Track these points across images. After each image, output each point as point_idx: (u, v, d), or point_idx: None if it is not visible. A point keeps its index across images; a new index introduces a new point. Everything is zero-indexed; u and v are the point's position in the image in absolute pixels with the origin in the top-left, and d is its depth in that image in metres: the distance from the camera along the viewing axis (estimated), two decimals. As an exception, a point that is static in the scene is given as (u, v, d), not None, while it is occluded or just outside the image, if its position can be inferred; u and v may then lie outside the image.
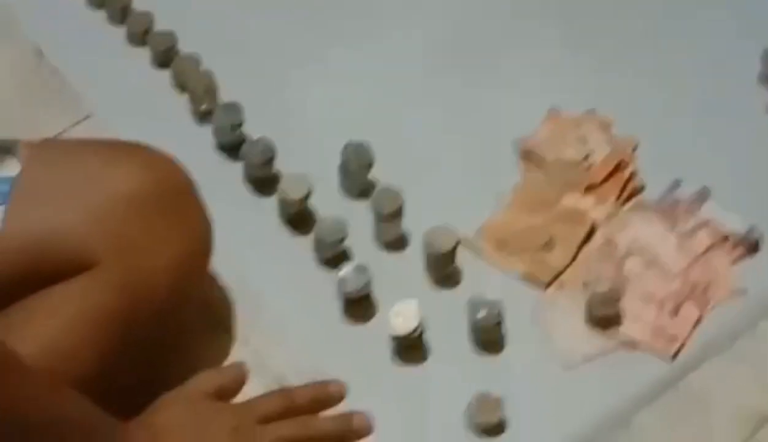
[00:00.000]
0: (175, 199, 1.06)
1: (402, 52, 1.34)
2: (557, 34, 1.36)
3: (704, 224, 1.20)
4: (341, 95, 1.30)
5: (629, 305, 1.15)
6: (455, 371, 1.12)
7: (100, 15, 1.36)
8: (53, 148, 1.08)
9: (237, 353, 1.14)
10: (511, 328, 1.14)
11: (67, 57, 1.33)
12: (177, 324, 1.09)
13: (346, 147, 1.22)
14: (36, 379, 0.87)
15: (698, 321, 1.15)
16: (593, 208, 1.22)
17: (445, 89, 1.31)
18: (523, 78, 1.32)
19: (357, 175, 1.21)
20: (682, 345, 1.14)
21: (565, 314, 1.15)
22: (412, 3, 1.39)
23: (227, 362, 1.12)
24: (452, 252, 1.16)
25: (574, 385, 1.11)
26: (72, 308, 1.01)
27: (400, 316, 1.12)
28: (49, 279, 1.01)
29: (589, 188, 1.23)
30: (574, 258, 1.19)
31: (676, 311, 1.15)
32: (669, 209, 1.22)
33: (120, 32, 1.35)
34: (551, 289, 1.17)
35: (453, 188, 1.23)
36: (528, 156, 1.25)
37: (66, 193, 1.03)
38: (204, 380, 1.00)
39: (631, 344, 1.14)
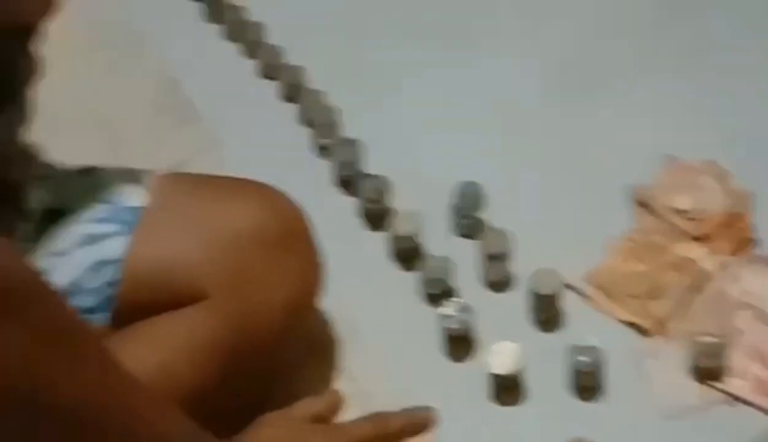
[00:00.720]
0: (292, 240, 1.10)
1: (517, 87, 1.35)
2: (679, 78, 1.35)
3: (820, 281, 1.18)
4: (457, 135, 1.32)
5: (735, 358, 1.13)
6: (552, 415, 1.12)
7: (234, 48, 1.41)
8: (181, 182, 1.13)
9: (341, 384, 1.16)
10: (611, 375, 1.13)
11: (199, 87, 1.38)
12: (283, 351, 1.12)
13: (459, 187, 1.23)
14: (133, 384, 0.90)
15: (806, 379, 1.13)
16: (705, 258, 1.20)
17: (560, 129, 1.32)
18: (641, 120, 1.31)
19: (467, 215, 1.23)
20: (787, 403, 1.12)
21: (668, 363, 1.14)
22: (528, 33, 1.40)
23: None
24: (557, 295, 1.16)
25: (673, 437, 1.10)
26: (181, 335, 1.05)
27: (499, 356, 1.12)
28: (163, 306, 1.05)
29: (702, 238, 1.22)
30: (682, 308, 1.18)
31: (783, 368, 1.14)
32: (784, 264, 1.20)
33: (251, 65, 1.39)
34: (655, 337, 1.16)
35: (562, 231, 1.23)
36: (641, 202, 1.25)
37: (189, 227, 1.07)
38: (302, 406, 1.02)
39: (734, 399, 1.12)
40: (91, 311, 1.05)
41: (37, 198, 1.08)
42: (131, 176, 1.11)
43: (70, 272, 1.05)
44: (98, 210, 1.07)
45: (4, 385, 0.80)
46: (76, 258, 1.05)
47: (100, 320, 1.05)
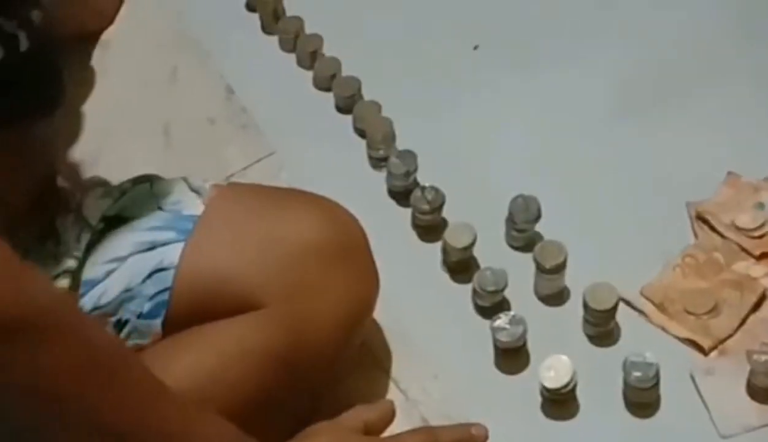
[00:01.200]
0: (349, 253, 1.09)
1: (578, 103, 1.33)
2: (741, 95, 1.32)
3: None
4: (513, 145, 1.30)
5: (795, 378, 1.11)
6: (605, 430, 1.10)
7: (291, 58, 1.41)
8: (238, 192, 1.13)
9: (391, 394, 1.14)
10: (667, 391, 1.11)
11: (255, 96, 1.38)
12: (337, 364, 1.10)
13: (515, 200, 1.22)
14: (161, 389, 0.90)
15: None
16: (765, 276, 1.18)
17: (619, 141, 1.30)
18: (701, 135, 1.29)
19: (522, 228, 1.21)
20: None
21: (726, 381, 1.11)
22: (592, 50, 1.38)
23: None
24: (612, 310, 1.14)
25: (729, 456, 1.08)
26: (234, 342, 1.04)
27: (552, 370, 1.10)
28: (216, 315, 1.05)
29: (763, 256, 1.19)
30: (740, 325, 1.15)
31: (844, 389, 1.10)
32: None
33: (308, 75, 1.39)
34: (713, 355, 1.13)
35: (619, 245, 1.21)
36: (701, 219, 1.22)
37: (245, 236, 1.07)
38: (353, 415, 1.01)
39: (794, 419, 1.09)
40: (145, 316, 1.05)
41: (96, 206, 1.08)
42: (189, 185, 1.11)
43: (127, 278, 1.05)
44: (156, 218, 1.07)
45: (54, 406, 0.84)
46: (133, 265, 1.05)
47: (153, 325, 1.05)
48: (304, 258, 1.06)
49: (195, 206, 1.08)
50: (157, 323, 1.05)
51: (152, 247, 1.06)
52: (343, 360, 1.10)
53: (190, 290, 1.05)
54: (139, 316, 1.05)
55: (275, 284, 1.05)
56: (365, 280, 1.10)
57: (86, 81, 1.40)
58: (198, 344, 1.04)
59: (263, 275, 1.05)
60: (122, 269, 1.05)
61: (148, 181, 1.12)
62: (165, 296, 1.04)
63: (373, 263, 1.11)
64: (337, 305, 1.06)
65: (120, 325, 1.04)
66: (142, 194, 1.10)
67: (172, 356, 1.04)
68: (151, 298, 1.05)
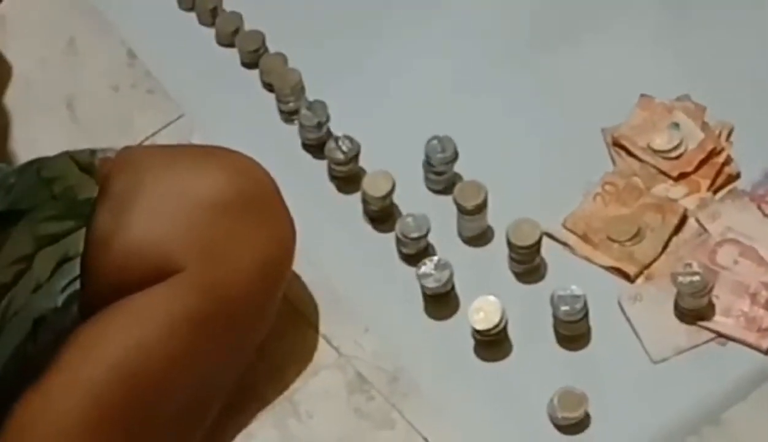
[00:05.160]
0: (260, 204, 1.07)
1: (482, 32, 1.31)
2: (647, 17, 1.31)
3: (804, 210, 1.16)
4: (425, 86, 1.28)
5: (721, 296, 1.11)
6: (539, 366, 1.10)
7: (191, 16, 1.38)
8: (135, 157, 1.10)
9: (323, 351, 1.14)
10: (596, 322, 1.11)
11: (159, 59, 1.34)
12: (263, 321, 1.10)
13: (430, 142, 1.20)
14: None
15: (795, 312, 1.11)
16: (685, 196, 1.18)
17: (528, 75, 1.28)
18: (611, 61, 1.28)
19: (440, 170, 1.20)
20: (777, 337, 1.10)
21: (654, 306, 1.12)
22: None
23: (313, 359, 1.13)
24: (536, 245, 1.14)
25: (662, 380, 1.08)
26: (156, 313, 1.02)
27: (480, 311, 1.10)
28: (137, 285, 1.03)
29: (681, 176, 1.19)
30: (664, 249, 1.15)
31: (771, 302, 1.12)
32: (765, 196, 1.17)
33: (210, 33, 1.36)
34: (639, 281, 1.14)
35: (539, 179, 1.20)
36: (618, 144, 1.22)
37: (152, 202, 1.05)
38: None
39: (723, 337, 1.10)
40: (61, 310, 1.03)
41: None
42: (78, 164, 1.08)
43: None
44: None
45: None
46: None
47: (70, 315, 1.03)
48: (211, 214, 1.04)
49: (89, 188, 1.05)
50: (74, 310, 1.03)
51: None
52: (269, 316, 1.09)
53: (104, 269, 1.03)
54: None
55: (187, 245, 1.03)
56: (279, 230, 1.08)
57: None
58: (121, 318, 1.03)
59: (173, 238, 1.03)
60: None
61: (32, 167, 1.08)
62: (76, 285, 1.02)
63: (286, 212, 1.09)
64: (253, 258, 1.05)
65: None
66: (31, 183, 1.07)
67: (98, 333, 1.02)
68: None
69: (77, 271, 1.03)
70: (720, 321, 1.10)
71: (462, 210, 1.17)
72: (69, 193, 1.05)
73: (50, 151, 1.11)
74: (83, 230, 1.03)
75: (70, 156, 1.08)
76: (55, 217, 1.04)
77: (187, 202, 1.04)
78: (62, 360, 1.01)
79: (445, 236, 1.17)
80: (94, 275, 1.03)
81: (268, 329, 1.10)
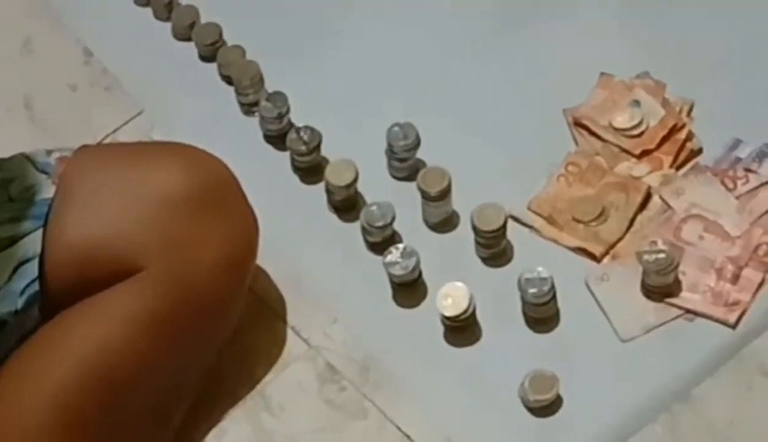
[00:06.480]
0: (220, 199, 1.07)
1: (441, 18, 1.31)
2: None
3: (766, 183, 1.16)
4: (384, 72, 1.28)
5: (687, 272, 1.12)
6: (509, 349, 1.10)
7: (146, 12, 1.36)
8: (92, 156, 1.09)
9: (292, 343, 1.14)
10: (564, 303, 1.11)
11: (116, 56, 1.33)
12: (229, 316, 1.09)
13: (391, 129, 1.20)
14: None
15: (761, 285, 1.11)
16: (648, 174, 1.18)
17: (488, 58, 1.28)
18: (570, 41, 1.28)
19: (403, 156, 1.20)
20: (744, 312, 1.10)
21: (621, 285, 1.12)
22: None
23: (282, 352, 1.13)
24: (501, 229, 1.14)
25: (631, 358, 1.09)
26: (119, 312, 1.02)
27: (448, 297, 1.10)
28: (99, 285, 1.02)
29: (644, 154, 1.19)
30: (629, 227, 1.16)
31: (737, 277, 1.11)
32: (728, 170, 1.18)
33: (166, 28, 1.35)
34: (605, 260, 1.14)
35: (502, 163, 1.20)
36: (579, 124, 1.22)
37: (109, 199, 1.04)
38: None
39: (691, 313, 1.11)
40: (21, 311, 1.02)
41: None
42: (34, 165, 1.07)
43: None
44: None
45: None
46: None
47: (31, 317, 1.03)
48: (172, 211, 1.03)
49: (46, 189, 1.04)
50: (35, 312, 1.02)
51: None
52: (235, 311, 1.09)
53: (64, 270, 1.03)
54: (16, 313, 1.02)
55: (147, 243, 1.03)
56: (241, 224, 1.08)
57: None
58: (83, 318, 1.02)
59: (133, 236, 1.03)
60: None
61: None
62: (35, 286, 1.02)
63: (248, 206, 1.09)
64: (215, 254, 1.04)
65: None
66: None
67: (60, 333, 1.02)
68: (22, 293, 1.02)
69: (36, 272, 1.02)
70: (687, 297, 1.11)
71: (426, 196, 1.16)
72: (25, 194, 1.04)
73: (9, 152, 1.10)
74: (41, 231, 1.02)
75: (26, 156, 1.07)
76: (12, 219, 1.03)
77: (146, 200, 1.04)
78: (25, 362, 1.00)
79: (410, 223, 1.17)
80: (53, 276, 1.02)
81: (234, 325, 1.09)
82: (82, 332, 1.01)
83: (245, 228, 1.08)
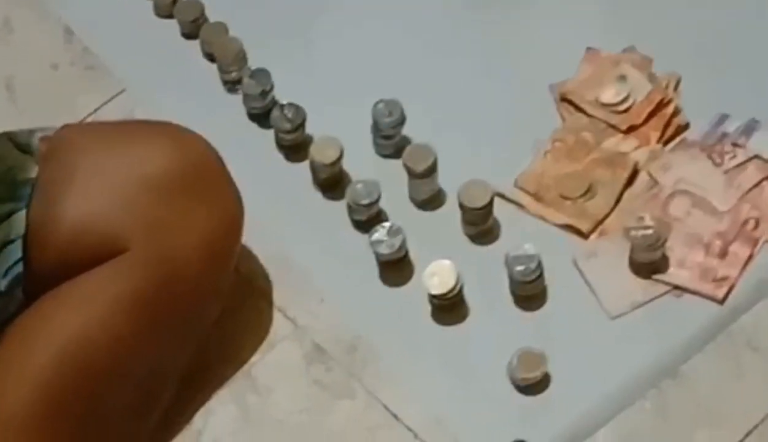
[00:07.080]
0: (204, 179, 1.05)
1: (427, 2, 1.30)
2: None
3: (754, 158, 1.16)
4: (368, 48, 1.27)
5: (675, 248, 1.11)
6: (496, 327, 1.10)
7: (128, -10, 1.35)
8: (74, 135, 1.08)
9: (279, 324, 1.13)
10: (552, 280, 1.11)
11: (97, 34, 1.32)
12: (214, 299, 1.08)
13: (376, 105, 1.19)
14: None
15: (749, 260, 1.11)
16: (635, 149, 1.17)
17: (474, 34, 1.27)
18: (556, 16, 1.27)
19: (388, 134, 1.19)
20: (732, 287, 1.10)
21: (608, 262, 1.12)
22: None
23: (269, 333, 1.12)
24: (488, 206, 1.13)
25: (620, 335, 1.08)
26: (104, 293, 1.01)
27: (435, 276, 1.09)
28: (81, 266, 1.01)
29: (631, 129, 1.19)
30: (616, 203, 1.15)
31: (724, 252, 1.11)
32: (715, 145, 1.17)
33: (147, 5, 1.33)
34: (593, 237, 1.13)
35: (489, 138, 1.19)
36: (566, 100, 1.21)
37: (92, 180, 1.03)
38: None
39: (679, 289, 1.10)
40: (5, 293, 1.01)
41: None
42: (16, 144, 1.05)
43: None
44: None
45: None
46: None
47: (15, 298, 1.02)
48: (155, 191, 1.02)
49: (28, 169, 1.03)
50: (18, 294, 1.01)
51: None
52: (220, 293, 1.08)
53: (47, 251, 1.02)
54: (0, 295, 1.01)
55: (130, 223, 1.02)
56: (225, 204, 1.07)
57: None
58: (65, 300, 1.01)
59: (116, 216, 1.02)
60: None
61: None
62: (19, 267, 1.01)
63: (232, 185, 1.08)
64: (199, 234, 1.03)
65: None
66: None
67: (42, 318, 1.01)
68: (6, 274, 1.01)
69: (20, 253, 1.01)
70: (675, 273, 1.10)
71: (412, 174, 1.16)
72: (8, 175, 1.03)
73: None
74: (24, 212, 1.01)
75: (8, 137, 1.06)
76: None
77: (128, 180, 1.03)
78: (6, 349, 0.99)
79: (396, 201, 1.16)
80: (37, 257, 1.01)
81: (221, 307, 1.09)
82: (63, 319, 1.00)
83: (230, 209, 1.07)
